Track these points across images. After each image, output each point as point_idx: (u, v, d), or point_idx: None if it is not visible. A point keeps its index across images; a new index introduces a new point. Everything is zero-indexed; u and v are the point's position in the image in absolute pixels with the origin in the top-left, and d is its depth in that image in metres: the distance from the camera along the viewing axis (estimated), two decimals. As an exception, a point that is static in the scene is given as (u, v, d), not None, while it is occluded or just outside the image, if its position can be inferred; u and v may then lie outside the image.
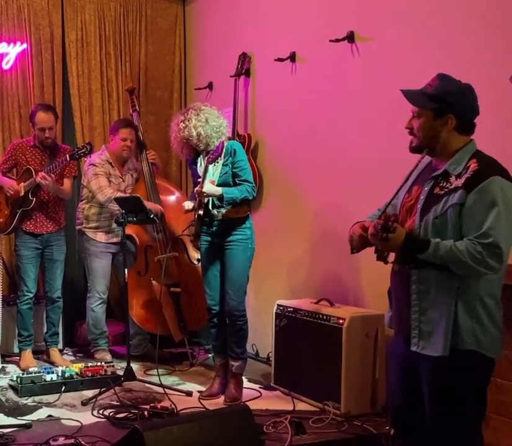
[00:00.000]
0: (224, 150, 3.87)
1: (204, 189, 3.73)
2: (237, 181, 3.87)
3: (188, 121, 3.79)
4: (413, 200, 2.43)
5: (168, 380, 4.34)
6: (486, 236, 2.20)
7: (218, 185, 3.82)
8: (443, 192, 2.32)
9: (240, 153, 3.91)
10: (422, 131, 2.38)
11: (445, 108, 2.34)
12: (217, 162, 3.86)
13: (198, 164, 3.94)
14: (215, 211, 3.86)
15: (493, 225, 2.20)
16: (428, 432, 2.41)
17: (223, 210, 3.86)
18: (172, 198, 4.98)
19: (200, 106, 3.87)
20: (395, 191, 2.43)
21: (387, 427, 3.20)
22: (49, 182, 4.47)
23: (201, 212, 3.82)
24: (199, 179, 3.80)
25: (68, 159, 4.49)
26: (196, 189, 3.79)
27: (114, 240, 4.82)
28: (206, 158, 3.81)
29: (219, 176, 3.85)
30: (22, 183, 4.60)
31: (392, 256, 2.45)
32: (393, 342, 2.61)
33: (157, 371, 4.19)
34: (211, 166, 3.84)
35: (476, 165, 2.29)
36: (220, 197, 3.78)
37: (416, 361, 2.41)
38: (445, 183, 2.34)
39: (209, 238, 3.97)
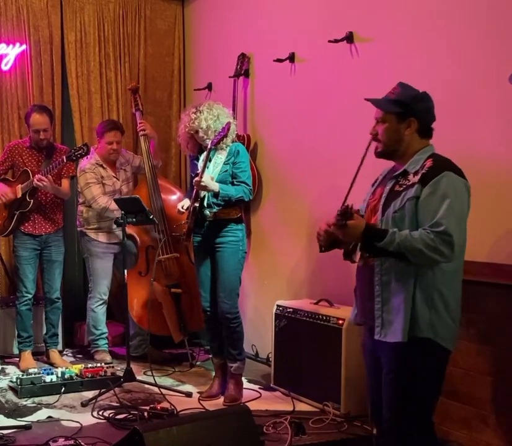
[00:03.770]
0: (228, 150, 3.88)
1: (203, 180, 3.71)
2: (235, 182, 3.87)
3: (200, 112, 3.82)
4: (377, 200, 2.59)
5: (168, 381, 4.34)
6: (438, 225, 2.33)
7: (216, 182, 3.82)
8: (402, 188, 2.48)
9: (244, 155, 3.93)
10: (387, 135, 2.52)
11: (407, 111, 2.49)
12: (219, 158, 3.87)
13: (200, 159, 3.92)
14: (207, 211, 3.85)
15: (445, 215, 2.33)
16: (385, 420, 2.49)
17: (215, 209, 3.84)
18: (173, 198, 4.95)
19: (214, 103, 3.92)
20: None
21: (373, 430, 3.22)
22: (46, 183, 4.45)
23: (196, 204, 3.81)
24: (198, 171, 3.79)
25: (65, 161, 4.47)
26: (194, 179, 3.77)
27: (116, 240, 4.81)
28: (210, 141, 3.79)
29: (219, 174, 3.85)
30: (20, 185, 4.59)
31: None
32: (364, 336, 2.73)
33: (151, 372, 4.16)
34: (211, 164, 3.84)
35: (432, 162, 2.45)
36: (216, 193, 3.77)
37: (379, 350, 2.52)
38: (404, 181, 2.49)
39: (200, 239, 3.97)
